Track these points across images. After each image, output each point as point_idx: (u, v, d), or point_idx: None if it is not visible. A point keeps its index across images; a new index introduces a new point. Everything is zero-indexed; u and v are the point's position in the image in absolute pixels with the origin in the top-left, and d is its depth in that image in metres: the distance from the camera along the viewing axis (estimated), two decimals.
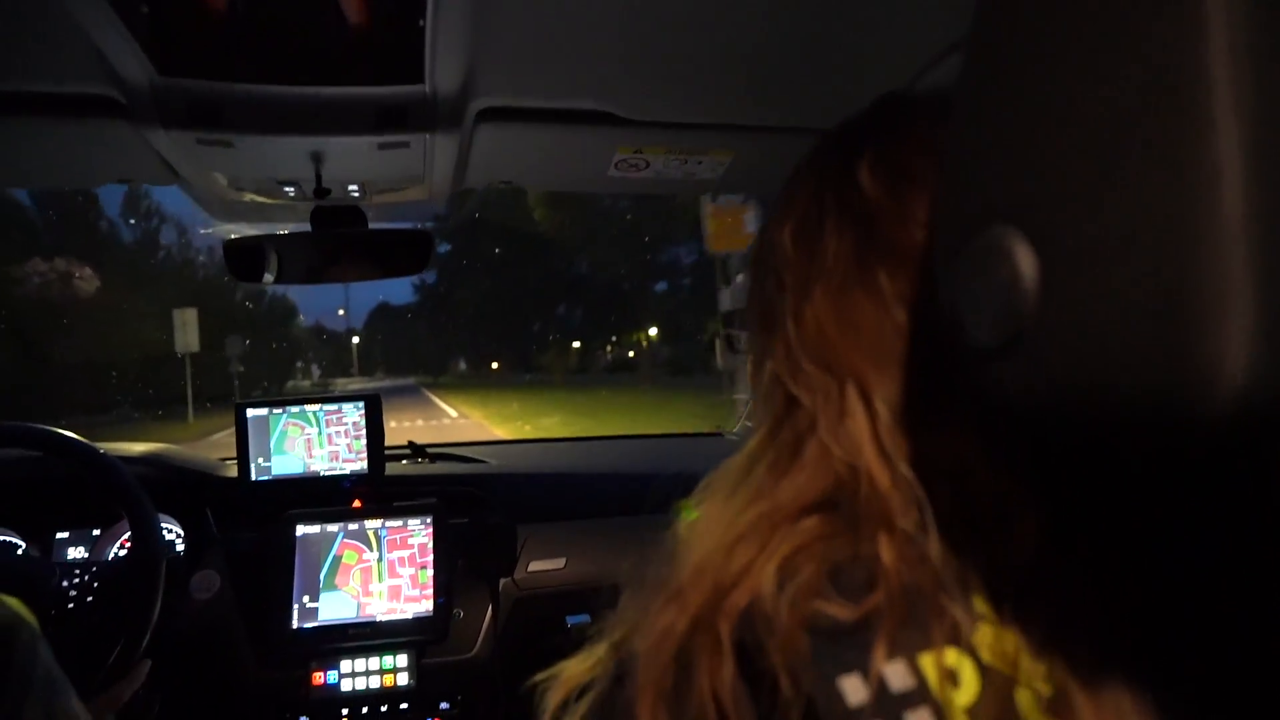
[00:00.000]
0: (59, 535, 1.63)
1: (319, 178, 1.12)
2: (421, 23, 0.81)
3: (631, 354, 44.10)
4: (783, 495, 0.44)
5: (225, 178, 1.16)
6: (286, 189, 1.20)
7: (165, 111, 0.93)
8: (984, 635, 0.37)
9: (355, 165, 1.12)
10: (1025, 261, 0.31)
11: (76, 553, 1.62)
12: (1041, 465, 0.40)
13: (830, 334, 0.46)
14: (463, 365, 63.92)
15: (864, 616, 0.37)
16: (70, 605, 1.30)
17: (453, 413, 22.10)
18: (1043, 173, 0.31)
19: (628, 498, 1.76)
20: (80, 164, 1.13)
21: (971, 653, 0.36)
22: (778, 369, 0.48)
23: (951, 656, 0.36)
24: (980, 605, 0.38)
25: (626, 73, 0.97)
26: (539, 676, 0.48)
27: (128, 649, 1.19)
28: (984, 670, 0.36)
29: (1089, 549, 0.39)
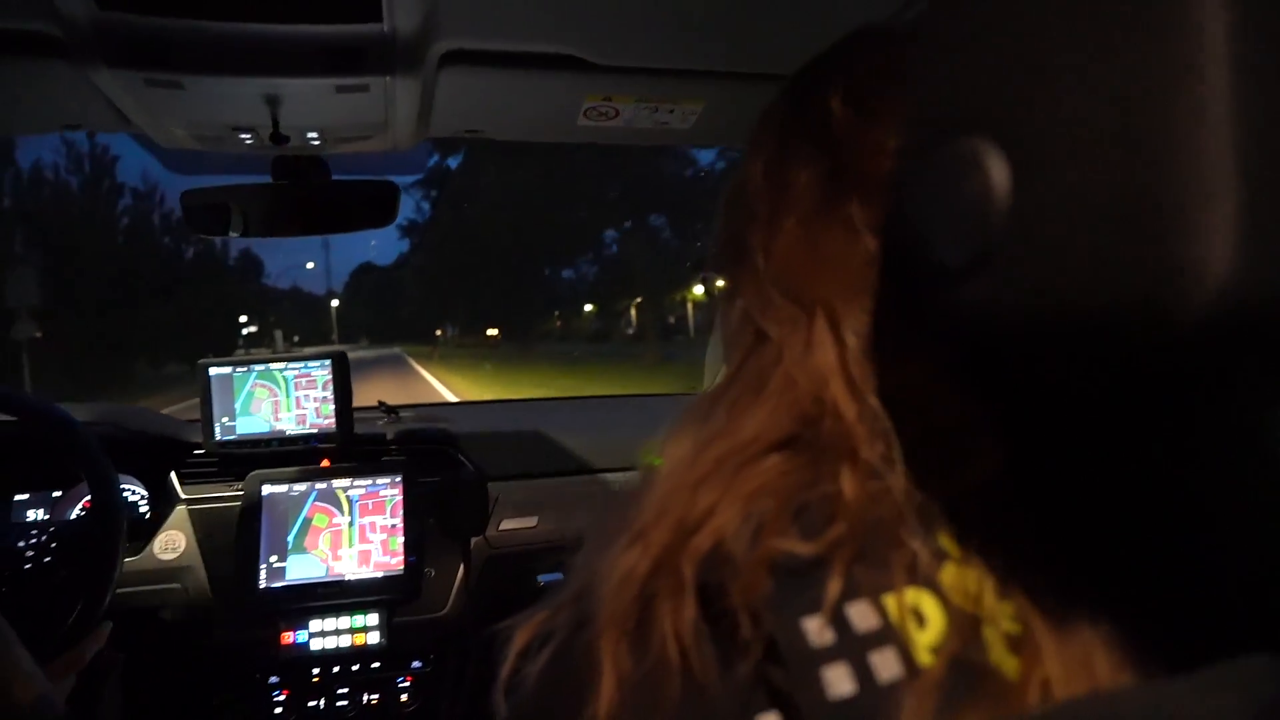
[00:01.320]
0: (17, 497, 1.59)
1: (275, 122, 1.08)
2: None
3: (672, 319, 37.33)
4: (746, 431, 0.42)
5: (178, 123, 1.12)
6: (243, 136, 1.15)
7: (108, 50, 0.88)
8: (949, 573, 0.36)
9: (313, 110, 1.08)
10: (996, 170, 0.30)
11: (35, 514, 1.59)
12: (1008, 392, 0.39)
13: (800, 264, 0.45)
14: (453, 332, 59.93)
15: (824, 552, 0.36)
16: (27, 566, 1.27)
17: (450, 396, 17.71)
18: (1013, 73, 0.29)
19: (600, 456, 1.75)
20: (21, 108, 1.08)
21: (936, 591, 0.36)
22: (747, 304, 0.47)
23: (916, 595, 0.35)
24: (945, 542, 0.37)
25: (596, 14, 0.94)
26: (500, 625, 0.47)
27: (88, 610, 1.16)
28: (949, 609, 0.35)
29: (1055, 480, 0.38)
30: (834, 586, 0.35)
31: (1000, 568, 0.36)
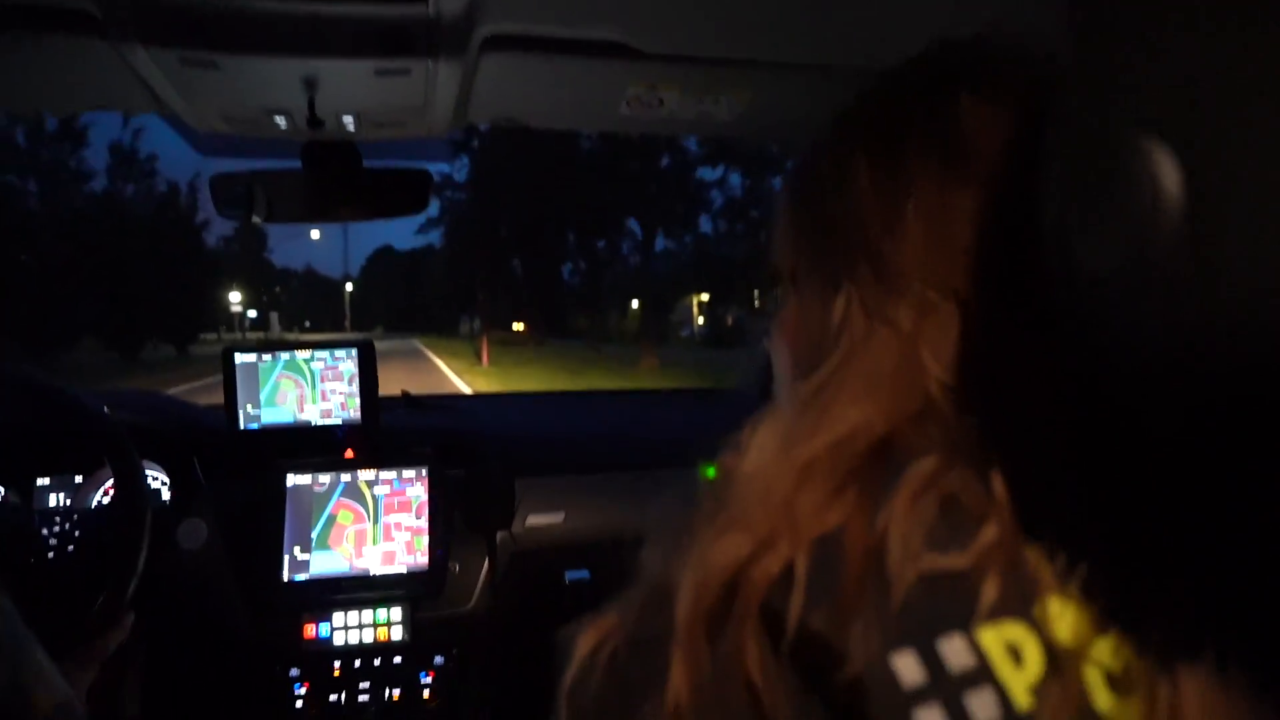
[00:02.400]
0: (39, 482, 1.57)
1: (312, 106, 1.05)
2: None
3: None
4: (863, 414, 0.41)
5: (212, 105, 1.09)
6: (277, 118, 1.13)
7: (144, 26, 0.86)
8: (1048, 607, 0.33)
9: (351, 93, 1.05)
10: (1166, 172, 0.26)
11: (58, 500, 1.57)
12: (1148, 416, 0.35)
13: (929, 254, 0.44)
14: (473, 324, 55.36)
15: (978, 560, 0.34)
16: (51, 555, 1.25)
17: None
18: (1199, 72, 0.25)
19: (627, 453, 1.72)
20: (54, 85, 1.06)
21: (1035, 626, 0.33)
22: (862, 295, 0.46)
23: (1014, 631, 0.33)
24: (1044, 572, 0.34)
25: None
26: (565, 629, 0.45)
27: (112, 599, 1.14)
28: (1048, 646, 0.33)
29: (1180, 509, 0.35)
30: (981, 604, 0.33)
31: (1106, 600, 0.33)
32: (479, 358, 28.00)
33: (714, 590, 0.38)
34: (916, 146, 0.45)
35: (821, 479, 0.39)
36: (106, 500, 1.57)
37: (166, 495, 1.59)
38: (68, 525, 1.28)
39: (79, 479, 1.58)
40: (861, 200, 0.47)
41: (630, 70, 1.05)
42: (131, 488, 1.22)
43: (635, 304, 40.33)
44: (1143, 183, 0.27)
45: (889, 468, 0.38)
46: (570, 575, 1.58)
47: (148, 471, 1.57)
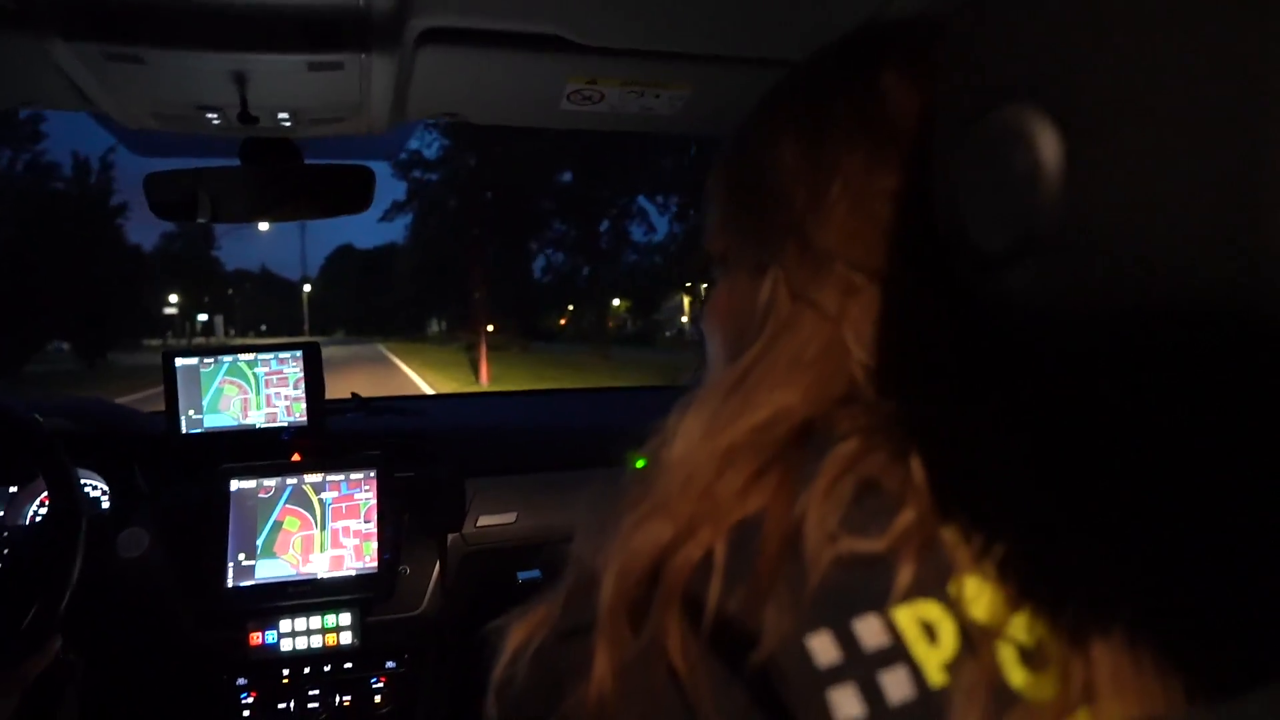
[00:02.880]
0: None
1: (244, 102, 1.03)
2: None
3: None
4: (786, 400, 0.41)
5: (140, 101, 1.06)
6: (209, 116, 1.10)
7: (64, 20, 0.83)
8: (964, 586, 0.34)
9: (283, 89, 1.03)
10: (1047, 146, 0.26)
11: None
12: (1053, 386, 0.36)
13: (855, 234, 0.44)
14: (441, 326, 52.70)
15: (893, 543, 0.34)
16: None
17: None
18: (1072, 33, 0.26)
19: (580, 451, 1.71)
20: None
21: (950, 605, 0.33)
22: (787, 277, 0.45)
23: (929, 610, 0.33)
24: (961, 549, 0.34)
25: None
26: (493, 624, 0.44)
27: (40, 616, 1.10)
28: (963, 624, 0.33)
29: (1092, 480, 0.36)
30: (896, 586, 0.33)
31: (1021, 577, 0.34)
32: (475, 373, 23.26)
33: (636, 578, 0.38)
34: (842, 126, 0.45)
35: (743, 464, 0.39)
36: (42, 514, 1.53)
37: (106, 504, 1.55)
38: None
39: (13, 489, 1.54)
40: (787, 180, 0.46)
41: (569, 63, 1.05)
42: (64, 500, 1.19)
43: (617, 302, 38.10)
44: (1023, 155, 0.27)
45: (811, 451, 0.38)
46: (523, 575, 1.57)
47: (86, 480, 1.53)
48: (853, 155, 0.44)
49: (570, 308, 41.79)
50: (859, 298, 0.42)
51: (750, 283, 0.48)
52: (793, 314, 0.44)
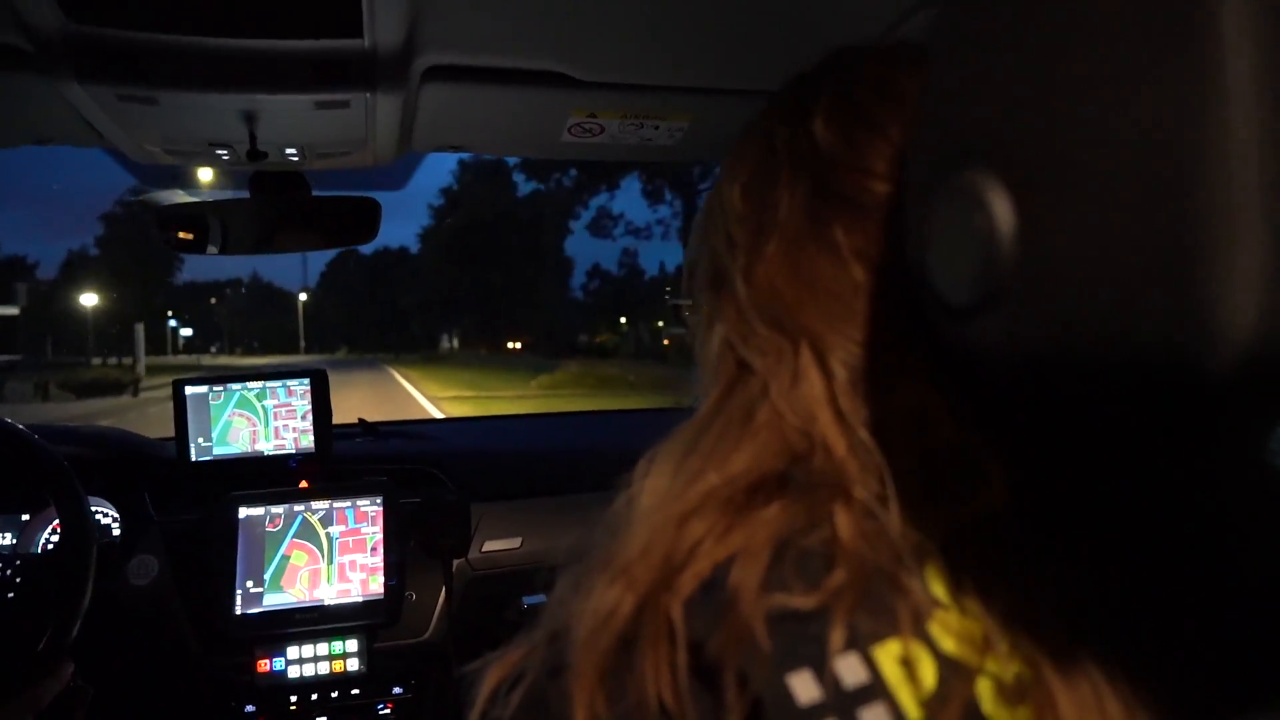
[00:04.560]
0: None
1: (253, 139, 1.06)
2: None
3: None
4: (734, 467, 0.40)
5: (153, 139, 1.09)
6: (219, 152, 1.13)
7: (78, 63, 0.86)
8: (942, 621, 0.34)
9: (291, 126, 1.05)
10: (1000, 209, 0.28)
11: (2, 539, 1.54)
12: (1015, 428, 0.37)
13: (784, 293, 0.43)
14: (453, 343, 47.67)
15: (824, 603, 0.34)
16: None
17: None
18: (1017, 102, 0.27)
19: (585, 474, 1.72)
20: None
21: (928, 642, 0.34)
22: (728, 333, 0.45)
23: (906, 646, 0.34)
24: (936, 588, 0.35)
25: (580, 30, 0.92)
26: (470, 666, 0.45)
27: (52, 645, 1.12)
28: (941, 660, 0.34)
29: (1059, 514, 0.37)
30: (835, 639, 0.34)
31: (996, 612, 0.35)
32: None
33: (603, 646, 0.38)
34: (784, 166, 0.45)
35: (698, 527, 0.39)
36: (55, 539, 1.54)
37: (116, 531, 1.56)
38: (9, 570, 1.26)
39: (25, 517, 1.55)
40: (734, 222, 0.46)
41: (570, 98, 1.07)
42: (76, 528, 1.20)
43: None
44: (981, 217, 0.28)
45: (752, 512, 0.38)
46: (528, 600, 1.58)
47: (96, 508, 1.54)
48: (792, 195, 0.44)
49: (623, 320, 38.34)
50: (784, 362, 0.42)
51: (707, 334, 0.48)
52: (738, 373, 0.44)
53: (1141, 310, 0.23)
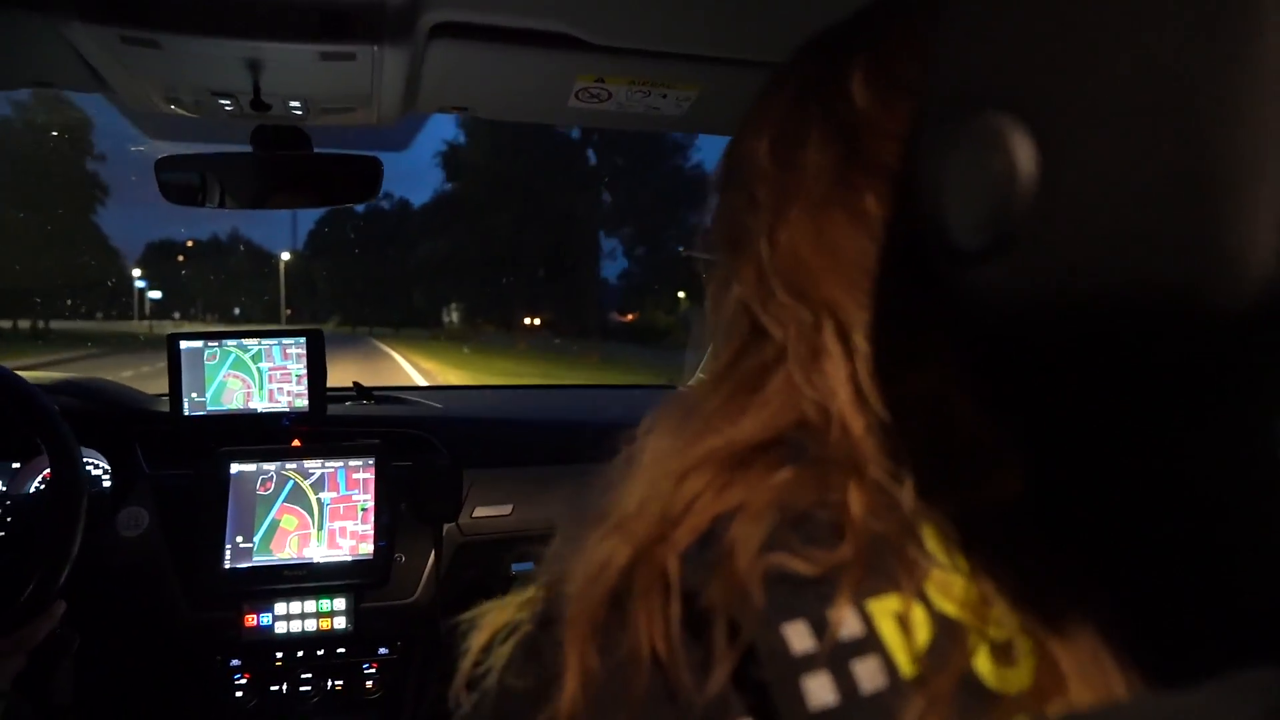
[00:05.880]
0: None
1: (257, 89, 1.05)
2: None
3: None
4: (741, 431, 0.40)
5: (154, 85, 1.08)
6: (222, 102, 1.12)
7: (82, 2, 0.84)
8: (940, 581, 0.34)
9: (296, 77, 1.04)
10: (1021, 149, 0.27)
11: None
12: (1025, 391, 0.37)
13: (807, 259, 0.41)
14: (451, 316, 41.01)
15: (826, 573, 0.34)
16: None
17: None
18: (1040, 42, 0.27)
19: (579, 446, 1.71)
20: None
21: (925, 600, 0.34)
22: (745, 295, 0.44)
23: (902, 602, 0.34)
24: (936, 548, 0.35)
25: None
26: (464, 616, 0.44)
27: (41, 587, 1.12)
28: (937, 617, 0.34)
29: (1066, 483, 0.36)
30: (835, 601, 0.33)
31: (995, 574, 0.34)
32: None
33: (597, 597, 0.38)
34: (815, 127, 0.43)
35: (701, 479, 0.38)
36: (44, 487, 1.54)
37: (107, 482, 1.56)
38: (0, 511, 1.26)
39: (16, 465, 1.55)
40: (758, 182, 0.44)
41: (578, 62, 1.06)
42: (67, 474, 1.20)
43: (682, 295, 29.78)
44: (1000, 160, 0.28)
45: (758, 472, 0.38)
46: (516, 567, 1.58)
47: (88, 458, 1.54)
48: (823, 172, 0.42)
49: (682, 295, 30.92)
50: (806, 333, 0.41)
51: (721, 294, 0.46)
52: (751, 337, 0.43)
53: (1161, 247, 0.23)
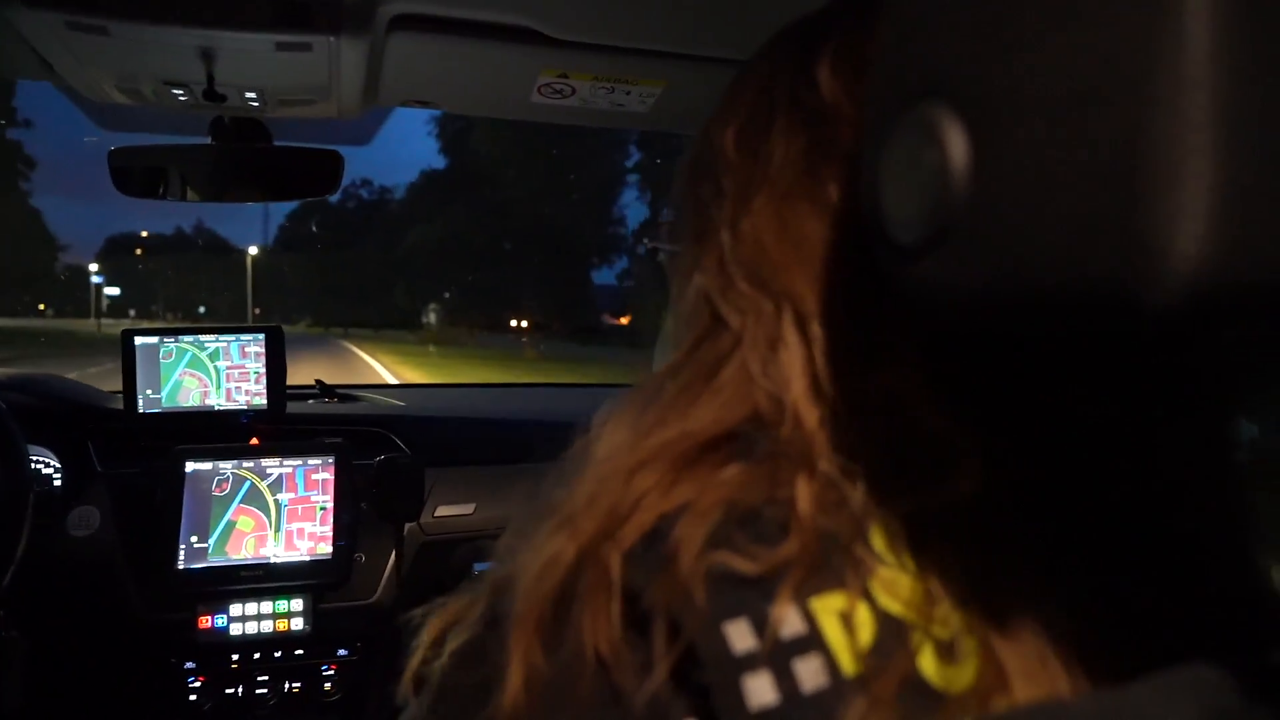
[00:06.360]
0: None
1: (210, 79, 1.02)
2: None
3: None
4: (693, 422, 0.39)
5: (105, 74, 1.05)
6: (175, 91, 1.09)
7: None
8: (884, 579, 0.34)
9: (251, 67, 1.02)
10: (955, 141, 0.27)
11: None
12: (981, 389, 0.36)
13: (770, 249, 0.41)
14: (429, 317, 38.05)
15: (771, 571, 0.34)
16: None
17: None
18: (972, 29, 0.27)
19: (542, 444, 1.70)
20: None
21: (868, 597, 0.33)
22: (706, 285, 0.43)
23: (848, 600, 0.33)
24: (881, 547, 0.35)
25: None
26: (414, 612, 0.44)
27: None
28: (881, 615, 0.33)
29: (1029, 504, 0.36)
30: (777, 600, 0.33)
31: (940, 571, 0.34)
32: None
33: (545, 591, 0.37)
34: (782, 114, 0.42)
35: (651, 477, 0.38)
36: None
37: (58, 481, 1.52)
38: None
39: None
40: (724, 170, 0.44)
41: (541, 56, 1.05)
42: (11, 471, 1.17)
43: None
44: (934, 151, 0.27)
45: (706, 468, 0.37)
46: (479, 566, 1.57)
47: (37, 457, 1.50)
48: (788, 146, 0.42)
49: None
50: (763, 324, 0.40)
51: (685, 283, 0.46)
52: (710, 327, 0.43)
53: (1090, 242, 0.23)
